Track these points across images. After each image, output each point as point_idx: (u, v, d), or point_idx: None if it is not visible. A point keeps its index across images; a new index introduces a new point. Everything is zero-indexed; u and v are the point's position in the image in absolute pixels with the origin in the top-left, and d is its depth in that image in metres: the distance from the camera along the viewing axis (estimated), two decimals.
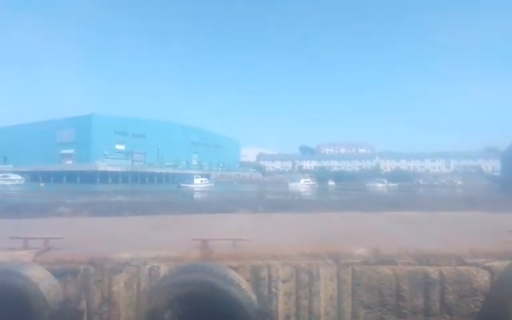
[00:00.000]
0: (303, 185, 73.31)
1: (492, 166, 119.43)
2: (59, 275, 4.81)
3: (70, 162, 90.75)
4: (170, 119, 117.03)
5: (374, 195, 42.87)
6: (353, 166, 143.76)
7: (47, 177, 77.42)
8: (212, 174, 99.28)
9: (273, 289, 4.70)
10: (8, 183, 62.16)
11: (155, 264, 4.85)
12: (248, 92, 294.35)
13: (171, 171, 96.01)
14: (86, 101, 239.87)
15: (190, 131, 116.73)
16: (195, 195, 39.40)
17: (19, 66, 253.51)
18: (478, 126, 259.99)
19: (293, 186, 68.24)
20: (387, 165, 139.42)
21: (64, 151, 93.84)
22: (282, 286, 4.71)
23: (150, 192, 39.60)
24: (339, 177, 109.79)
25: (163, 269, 4.81)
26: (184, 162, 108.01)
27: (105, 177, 77.10)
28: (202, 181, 69.08)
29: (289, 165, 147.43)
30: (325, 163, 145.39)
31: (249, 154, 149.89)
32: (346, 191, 50.41)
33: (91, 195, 31.37)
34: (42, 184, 63.09)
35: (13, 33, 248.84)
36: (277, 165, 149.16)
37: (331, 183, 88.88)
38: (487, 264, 4.60)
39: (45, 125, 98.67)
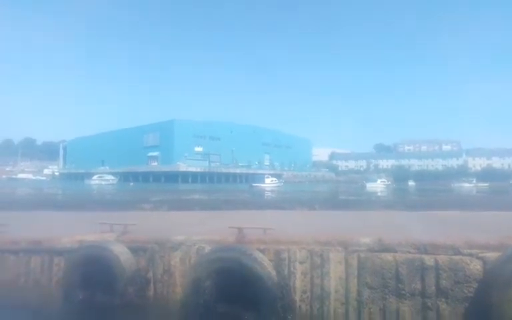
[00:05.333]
0: (380, 185, 70.41)
1: None
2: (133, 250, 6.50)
3: (155, 163, 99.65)
4: (243, 121, 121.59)
5: (462, 195, 39.35)
6: (436, 164, 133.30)
7: (136, 177, 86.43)
8: (284, 174, 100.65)
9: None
10: (103, 182, 71.46)
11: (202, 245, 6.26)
12: (319, 91, 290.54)
13: (244, 171, 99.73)
14: (167, 107, 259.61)
15: (262, 132, 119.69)
16: (266, 194, 41.17)
17: (107, 81, 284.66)
18: None
19: (370, 186, 65.98)
20: (476, 163, 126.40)
21: (150, 154, 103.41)
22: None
23: (229, 191, 42.53)
24: (420, 176, 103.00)
25: (207, 249, 6.18)
26: (256, 162, 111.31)
27: (185, 177, 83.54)
28: (272, 181, 70.84)
29: (363, 164, 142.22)
30: (404, 162, 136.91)
31: (321, 153, 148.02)
32: (428, 191, 47.27)
33: (175, 193, 35.17)
34: (131, 183, 70.86)
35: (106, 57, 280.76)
36: (351, 164, 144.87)
37: (411, 183, 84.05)
38: None
39: (134, 130, 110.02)
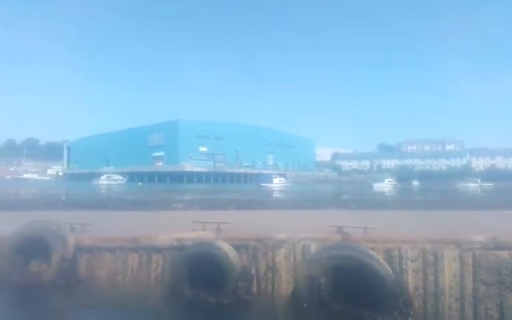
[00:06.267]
0: (387, 185, 70.51)
1: None
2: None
3: (160, 163, 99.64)
4: (246, 121, 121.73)
5: (477, 195, 39.29)
6: (439, 164, 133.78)
7: (141, 177, 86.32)
8: (287, 174, 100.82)
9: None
10: (112, 182, 71.30)
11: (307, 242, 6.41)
12: (322, 91, 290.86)
13: (248, 171, 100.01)
14: (171, 107, 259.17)
15: (265, 132, 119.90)
16: (275, 194, 40.99)
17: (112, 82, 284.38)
18: None
19: (377, 186, 65.99)
20: (480, 163, 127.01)
21: (155, 154, 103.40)
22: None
23: (238, 190, 42.43)
24: (424, 176, 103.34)
25: (313, 247, 6.34)
26: (260, 162, 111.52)
27: (190, 177, 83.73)
28: (280, 181, 71.06)
29: (366, 164, 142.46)
30: (407, 162, 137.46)
31: (323, 153, 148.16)
32: (437, 191, 47.21)
33: (190, 193, 35.18)
34: (140, 184, 70.79)
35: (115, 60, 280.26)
36: (354, 164, 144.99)
37: (415, 183, 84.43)
38: None
39: (138, 130, 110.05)
